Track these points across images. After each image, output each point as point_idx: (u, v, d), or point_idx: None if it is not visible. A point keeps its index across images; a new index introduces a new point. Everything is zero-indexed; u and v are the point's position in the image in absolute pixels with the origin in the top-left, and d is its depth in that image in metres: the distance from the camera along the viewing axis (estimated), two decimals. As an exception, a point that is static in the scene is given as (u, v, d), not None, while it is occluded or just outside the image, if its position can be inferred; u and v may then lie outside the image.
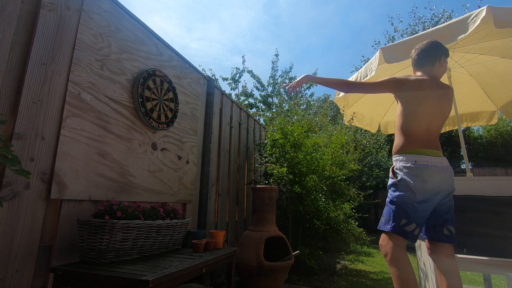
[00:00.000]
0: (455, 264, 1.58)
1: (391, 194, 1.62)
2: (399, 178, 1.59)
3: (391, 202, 1.60)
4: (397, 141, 1.69)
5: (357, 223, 4.09)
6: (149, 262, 1.42)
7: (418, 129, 1.64)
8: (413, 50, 1.86)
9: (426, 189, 1.56)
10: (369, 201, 6.78)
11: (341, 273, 3.42)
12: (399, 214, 1.54)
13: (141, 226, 1.45)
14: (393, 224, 1.53)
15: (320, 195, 3.47)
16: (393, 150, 1.73)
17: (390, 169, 1.68)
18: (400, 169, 1.61)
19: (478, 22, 1.86)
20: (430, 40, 1.82)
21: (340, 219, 3.52)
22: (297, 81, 1.94)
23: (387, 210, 1.61)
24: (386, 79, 1.75)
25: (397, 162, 1.64)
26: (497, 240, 2.03)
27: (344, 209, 3.63)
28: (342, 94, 3.14)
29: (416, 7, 12.38)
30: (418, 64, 1.80)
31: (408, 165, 1.58)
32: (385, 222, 1.59)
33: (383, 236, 1.60)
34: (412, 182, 1.55)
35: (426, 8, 14.89)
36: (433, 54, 1.76)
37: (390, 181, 1.66)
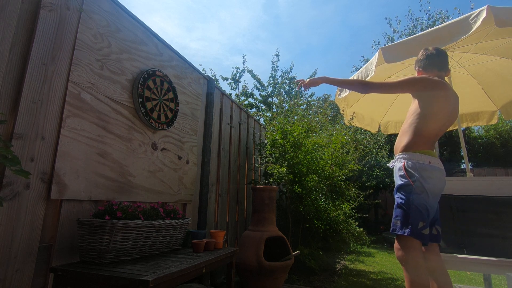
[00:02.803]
0: (442, 261, 1.64)
1: (405, 195, 1.54)
2: (414, 179, 1.52)
3: (406, 204, 1.52)
4: (408, 138, 1.63)
5: (357, 223, 4.08)
6: (149, 262, 1.42)
7: (433, 131, 1.62)
8: (427, 50, 1.82)
9: (436, 191, 1.56)
10: (369, 201, 6.77)
11: (341, 273, 3.42)
12: (417, 217, 1.49)
13: (141, 226, 1.45)
14: (411, 227, 1.48)
15: (320, 195, 3.47)
16: (402, 147, 1.64)
17: (402, 167, 1.58)
18: (414, 169, 1.54)
19: (478, 22, 1.86)
20: (441, 48, 1.82)
21: (340, 219, 3.51)
22: (312, 80, 1.88)
23: (402, 212, 1.53)
24: (409, 78, 1.70)
25: (409, 160, 1.56)
26: (497, 240, 2.03)
27: (344, 209, 3.63)
28: (343, 94, 3.12)
29: (412, 12, 12.42)
30: (440, 66, 1.78)
31: (423, 166, 1.53)
32: (401, 225, 1.52)
33: (399, 240, 1.54)
34: (427, 184, 1.51)
35: (420, 11, 14.98)
36: (447, 62, 1.79)
37: (402, 181, 1.57)
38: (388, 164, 1.79)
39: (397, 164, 1.63)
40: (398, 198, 1.58)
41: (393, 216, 1.58)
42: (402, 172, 1.58)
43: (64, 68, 1.43)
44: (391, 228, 1.57)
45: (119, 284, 1.14)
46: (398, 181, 1.60)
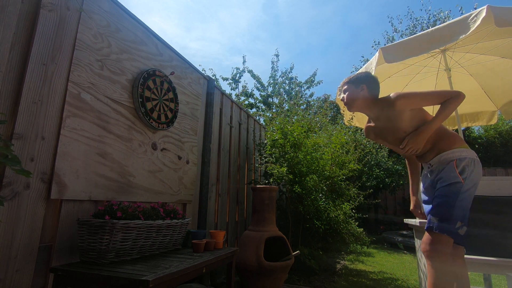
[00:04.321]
0: (466, 266, 1.54)
1: (453, 193, 1.46)
2: (464, 176, 1.47)
3: (451, 202, 1.44)
4: (445, 137, 1.60)
5: (357, 223, 4.08)
6: (149, 262, 1.42)
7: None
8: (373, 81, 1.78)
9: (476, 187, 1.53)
10: (369, 201, 6.77)
11: (341, 273, 3.42)
12: (457, 216, 1.42)
13: (141, 226, 1.45)
14: (450, 225, 1.41)
15: (320, 195, 3.47)
16: (445, 146, 1.58)
17: (453, 163, 1.51)
18: (466, 166, 1.48)
19: (478, 22, 1.86)
20: (367, 73, 1.81)
21: (340, 219, 3.51)
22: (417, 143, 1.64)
23: (444, 210, 1.45)
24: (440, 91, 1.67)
25: (459, 157, 1.51)
26: (497, 240, 2.03)
27: (344, 209, 3.63)
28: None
29: (413, 12, 12.44)
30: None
31: (474, 160, 1.51)
32: (440, 221, 1.43)
33: (433, 236, 1.44)
34: (475, 182, 1.49)
35: (421, 10, 15.06)
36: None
37: (452, 178, 1.48)
38: (429, 162, 1.68)
39: (447, 160, 1.56)
40: (442, 195, 1.49)
41: (432, 212, 1.49)
42: (453, 168, 1.51)
43: (64, 68, 1.43)
44: (426, 225, 1.48)
45: (119, 284, 1.14)
46: (446, 178, 1.52)
